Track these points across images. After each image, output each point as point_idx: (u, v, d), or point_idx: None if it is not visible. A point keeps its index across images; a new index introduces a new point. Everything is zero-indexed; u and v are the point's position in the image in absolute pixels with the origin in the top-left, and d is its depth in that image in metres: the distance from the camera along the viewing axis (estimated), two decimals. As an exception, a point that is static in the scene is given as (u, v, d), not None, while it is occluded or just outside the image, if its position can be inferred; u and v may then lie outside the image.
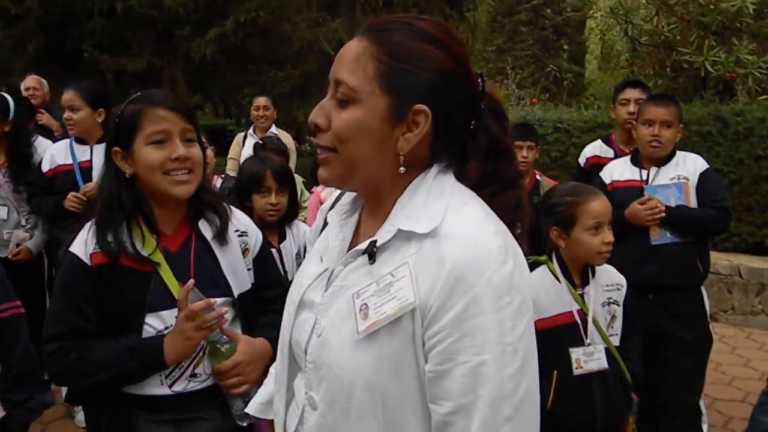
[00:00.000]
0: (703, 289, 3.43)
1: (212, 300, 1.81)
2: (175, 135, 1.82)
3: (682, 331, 3.29)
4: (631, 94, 4.15)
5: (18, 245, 4.08)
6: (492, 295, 1.04)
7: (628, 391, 2.49)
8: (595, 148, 4.35)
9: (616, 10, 8.28)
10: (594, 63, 22.33)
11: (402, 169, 1.15)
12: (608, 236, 2.39)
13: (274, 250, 2.91)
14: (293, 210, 3.03)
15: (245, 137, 6.41)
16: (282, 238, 2.96)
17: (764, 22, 7.70)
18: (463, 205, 1.15)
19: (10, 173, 4.09)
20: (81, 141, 3.98)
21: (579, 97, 13.66)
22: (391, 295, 1.10)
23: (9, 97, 4.12)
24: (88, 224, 1.88)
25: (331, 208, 1.39)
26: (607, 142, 4.33)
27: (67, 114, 3.91)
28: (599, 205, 2.41)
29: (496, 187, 1.20)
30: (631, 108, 4.09)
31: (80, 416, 3.96)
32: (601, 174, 3.63)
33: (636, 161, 3.50)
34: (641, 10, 8.77)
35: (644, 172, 3.42)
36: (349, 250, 1.24)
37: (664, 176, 3.37)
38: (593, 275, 2.49)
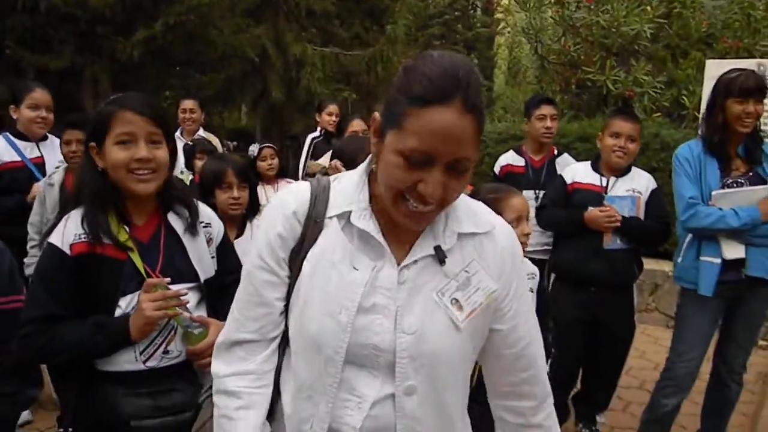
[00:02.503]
0: (634, 287, 3.92)
1: (182, 290, 1.97)
2: (140, 137, 1.96)
3: (615, 323, 3.79)
4: (548, 110, 4.51)
5: None
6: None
7: None
8: (508, 157, 4.74)
9: (528, 30, 8.70)
10: (501, 78, 22.94)
11: None
12: (527, 228, 2.60)
13: None
14: (255, 206, 3.25)
15: (172, 139, 6.42)
16: (240, 233, 3.14)
17: (659, 45, 8.21)
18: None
19: None
20: (21, 137, 4.06)
21: (489, 109, 14.12)
22: (473, 287, 1.34)
23: None
24: (66, 216, 1.99)
25: (308, 215, 1.38)
26: (519, 152, 4.72)
27: (44, 113, 4.09)
28: (519, 201, 2.60)
29: None
30: (548, 123, 4.47)
31: None
32: (563, 173, 4.01)
33: (596, 168, 3.86)
34: (549, 30, 9.27)
35: (604, 179, 3.79)
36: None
37: (621, 186, 3.75)
38: None
